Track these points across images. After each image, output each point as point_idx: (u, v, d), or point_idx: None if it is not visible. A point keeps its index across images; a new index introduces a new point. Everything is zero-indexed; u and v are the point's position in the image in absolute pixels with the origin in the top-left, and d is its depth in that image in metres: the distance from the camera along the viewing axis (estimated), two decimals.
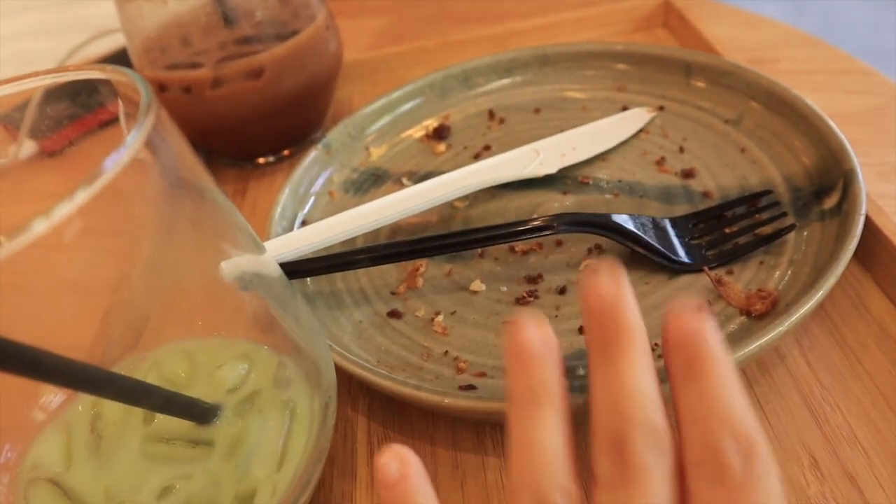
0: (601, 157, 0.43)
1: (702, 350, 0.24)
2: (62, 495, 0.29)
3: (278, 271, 0.29)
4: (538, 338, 0.25)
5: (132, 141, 0.21)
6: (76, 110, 0.32)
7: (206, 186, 0.25)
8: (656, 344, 0.32)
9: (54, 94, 0.32)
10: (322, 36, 0.47)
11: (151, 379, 0.30)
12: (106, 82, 0.29)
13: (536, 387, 0.24)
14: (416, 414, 0.33)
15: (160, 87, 0.46)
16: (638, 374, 0.24)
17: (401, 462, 0.23)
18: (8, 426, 0.30)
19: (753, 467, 0.20)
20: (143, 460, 0.29)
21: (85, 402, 0.32)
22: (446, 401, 0.28)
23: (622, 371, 0.24)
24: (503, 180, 0.41)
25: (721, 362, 0.23)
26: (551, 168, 0.41)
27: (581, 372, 0.31)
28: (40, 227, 0.20)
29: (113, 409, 0.31)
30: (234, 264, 0.33)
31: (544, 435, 0.23)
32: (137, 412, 0.31)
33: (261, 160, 0.51)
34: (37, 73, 0.26)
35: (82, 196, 0.20)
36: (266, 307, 0.32)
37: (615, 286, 0.25)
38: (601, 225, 0.35)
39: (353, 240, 0.40)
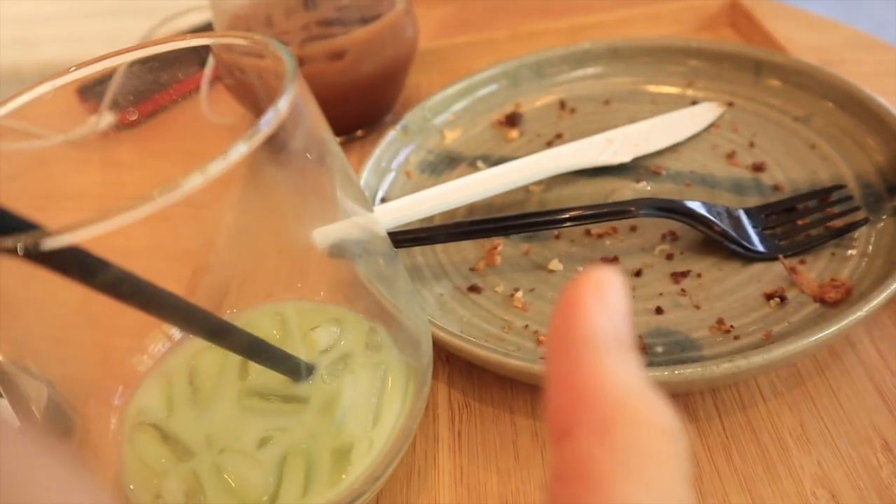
0: (672, 148, 0.44)
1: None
2: (165, 440, 0.31)
3: (384, 236, 0.31)
4: None
5: (284, 103, 0.22)
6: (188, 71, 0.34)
7: (333, 150, 0.27)
8: (731, 326, 0.33)
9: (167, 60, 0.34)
10: (401, 21, 0.49)
11: None
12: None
13: None
14: (496, 384, 0.34)
15: (239, 70, 0.48)
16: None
17: None
18: (121, 370, 0.31)
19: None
20: (240, 412, 0.31)
21: (184, 355, 0.33)
22: (535, 367, 0.30)
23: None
24: (578, 167, 0.42)
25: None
26: (625, 157, 0.42)
27: (659, 349, 0.33)
28: (195, 181, 0.21)
29: (210, 363, 0.33)
30: (327, 233, 0.35)
31: None
32: (233, 367, 0.33)
33: None
34: (190, 35, 0.28)
35: (235, 155, 0.22)
36: (356, 274, 0.34)
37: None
38: (680, 210, 0.36)
39: (429, 218, 0.41)
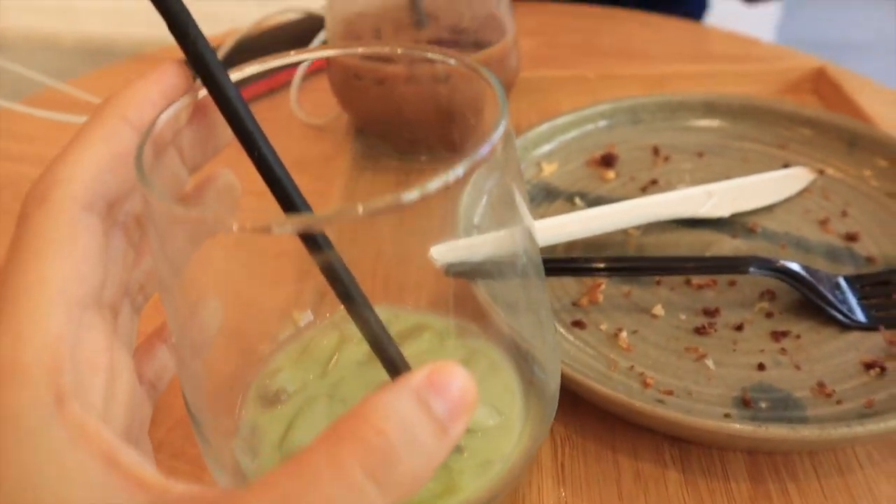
0: (767, 208, 0.45)
1: None
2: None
3: (537, 253, 0.30)
4: None
5: (497, 136, 0.23)
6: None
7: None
8: (833, 390, 0.34)
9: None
10: (509, 50, 0.50)
11: None
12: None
13: None
14: (598, 421, 0.35)
15: (355, 75, 0.49)
16: None
17: None
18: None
19: None
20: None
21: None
22: (659, 410, 0.31)
23: None
24: (680, 216, 0.43)
25: None
26: (724, 211, 0.44)
27: (763, 404, 0.34)
28: (410, 197, 0.22)
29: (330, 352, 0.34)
30: (445, 250, 0.36)
31: None
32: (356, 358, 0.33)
33: (422, 157, 0.54)
34: (375, 44, 0.29)
35: (453, 176, 0.22)
36: (473, 291, 0.34)
37: None
38: (789, 273, 0.37)
39: None
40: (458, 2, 0.49)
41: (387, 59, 0.49)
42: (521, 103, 0.59)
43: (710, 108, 0.52)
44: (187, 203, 0.29)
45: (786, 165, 0.48)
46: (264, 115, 0.69)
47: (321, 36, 0.65)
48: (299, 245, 0.26)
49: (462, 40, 0.49)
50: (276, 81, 0.68)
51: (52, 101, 0.69)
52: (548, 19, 0.76)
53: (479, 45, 0.49)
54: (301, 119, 0.62)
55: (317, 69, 0.70)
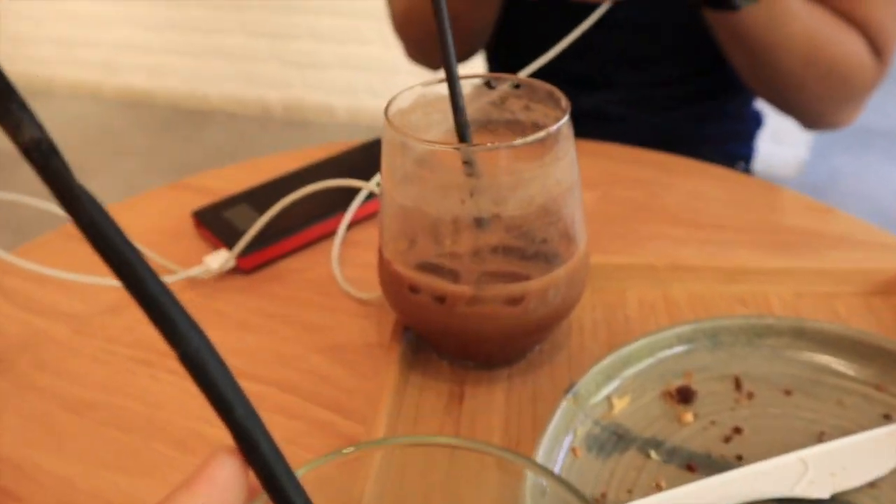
0: (870, 484, 0.40)
1: None
2: None
3: None
4: None
5: None
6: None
7: None
8: None
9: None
10: (582, 264, 0.46)
11: None
12: None
13: None
14: None
15: (411, 288, 0.44)
16: None
17: None
18: None
19: None
20: None
21: None
22: None
23: None
24: (773, 496, 0.38)
25: None
26: (823, 491, 0.39)
27: None
28: None
29: None
30: None
31: None
32: None
33: (477, 365, 0.49)
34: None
35: None
36: None
37: None
38: None
39: None
40: (529, 213, 0.43)
41: (449, 275, 0.44)
42: (584, 292, 0.54)
43: (798, 334, 0.47)
44: None
45: (886, 416, 0.43)
46: (302, 275, 0.64)
47: (360, 198, 0.61)
48: None
49: (527, 250, 0.44)
50: (314, 234, 0.64)
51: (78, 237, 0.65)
52: (606, 166, 0.71)
53: (547, 259, 0.44)
54: (343, 288, 0.57)
55: (362, 218, 0.65)
